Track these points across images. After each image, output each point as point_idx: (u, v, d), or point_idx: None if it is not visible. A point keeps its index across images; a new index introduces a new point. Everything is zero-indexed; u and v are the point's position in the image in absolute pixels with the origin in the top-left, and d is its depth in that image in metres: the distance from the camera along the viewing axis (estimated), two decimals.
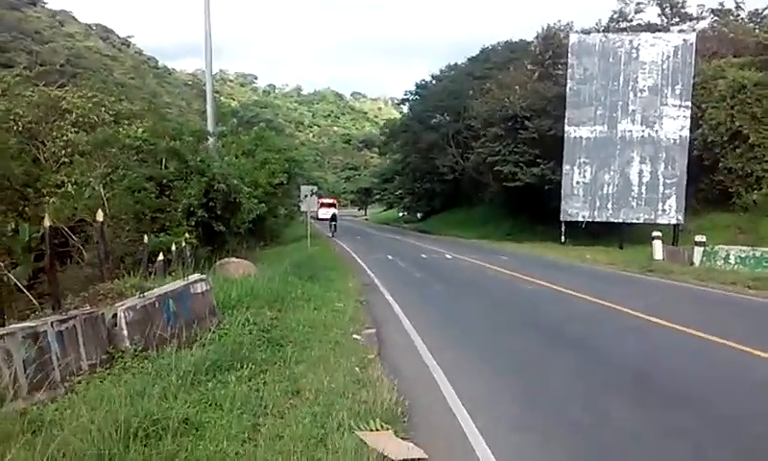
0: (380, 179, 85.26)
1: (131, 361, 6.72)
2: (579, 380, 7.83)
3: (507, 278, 19.55)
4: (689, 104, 31.71)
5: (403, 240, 41.53)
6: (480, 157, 44.12)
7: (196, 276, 9.64)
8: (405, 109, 73.95)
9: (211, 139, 23.42)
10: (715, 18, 43.36)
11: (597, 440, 5.73)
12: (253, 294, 11.33)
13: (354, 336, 9.53)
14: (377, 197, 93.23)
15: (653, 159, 32.16)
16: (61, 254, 15.89)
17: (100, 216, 12.26)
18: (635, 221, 32.68)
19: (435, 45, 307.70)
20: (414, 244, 36.66)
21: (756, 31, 39.17)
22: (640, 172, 32.43)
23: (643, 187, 32.33)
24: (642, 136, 32.29)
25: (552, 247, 31.64)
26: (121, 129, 20.90)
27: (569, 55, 33.83)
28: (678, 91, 31.75)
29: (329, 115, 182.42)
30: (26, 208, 19.20)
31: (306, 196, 29.80)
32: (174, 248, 15.33)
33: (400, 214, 75.64)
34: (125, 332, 7.10)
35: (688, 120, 31.66)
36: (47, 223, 10.24)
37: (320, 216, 59.01)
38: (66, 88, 25.67)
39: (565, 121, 33.25)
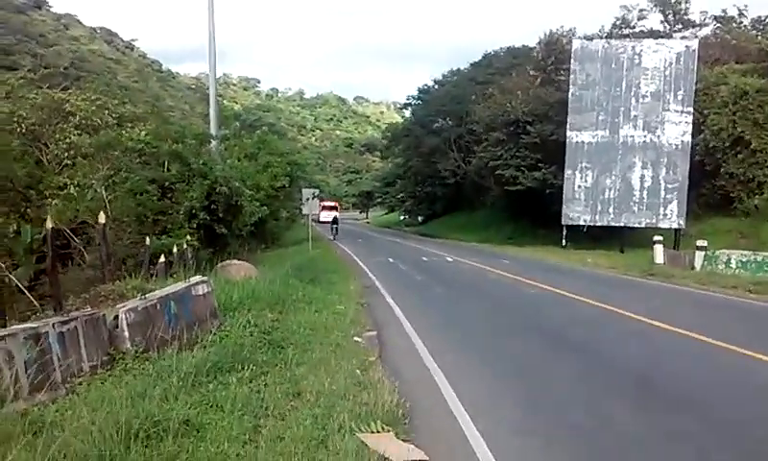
0: (382, 182, 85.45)
1: (132, 362, 6.71)
2: (581, 384, 7.82)
3: (508, 281, 19.54)
4: (691, 109, 31.75)
5: (404, 243, 41.52)
6: (482, 162, 44.19)
7: (197, 278, 9.64)
8: (407, 113, 74.13)
9: (214, 142, 23.42)
10: (718, 25, 43.50)
11: (599, 444, 5.71)
12: (255, 296, 11.33)
13: (355, 339, 9.52)
14: (379, 200, 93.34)
15: (654, 164, 32.18)
16: (63, 255, 15.88)
17: (102, 218, 12.26)
18: (636, 225, 32.68)
19: (437, 50, 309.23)
20: (415, 247, 36.65)
21: (759, 38, 39.30)
22: (642, 177, 32.45)
23: (645, 192, 32.35)
24: (644, 141, 32.32)
25: (553, 251, 31.64)
26: (124, 131, 20.92)
27: (572, 60, 33.89)
28: (680, 97, 31.78)
29: (332, 119, 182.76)
30: (28, 210, 19.23)
31: (308, 199, 29.83)
32: (175, 250, 15.32)
33: (402, 218, 75.66)
34: (126, 334, 7.10)
35: (690, 126, 31.69)
36: (49, 224, 10.24)
37: (321, 219, 59.06)
38: (70, 91, 25.76)
39: (567, 126, 33.31)
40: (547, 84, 41.37)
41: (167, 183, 19.03)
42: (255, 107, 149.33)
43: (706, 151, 32.60)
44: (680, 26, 44.95)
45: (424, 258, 27.97)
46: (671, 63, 31.93)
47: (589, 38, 38.64)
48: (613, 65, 32.74)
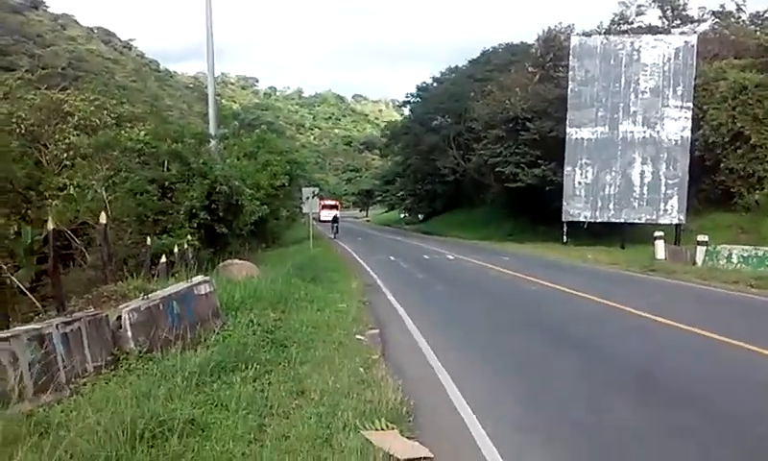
0: (381, 180, 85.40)
1: (135, 363, 6.73)
2: (582, 380, 7.84)
3: (509, 278, 19.56)
4: (691, 105, 31.74)
5: (405, 241, 41.53)
6: (481, 159, 44.16)
7: (199, 277, 9.65)
8: (406, 111, 74.10)
9: (213, 142, 23.41)
10: (716, 20, 43.42)
11: (601, 440, 5.73)
12: (257, 295, 11.35)
13: (358, 337, 9.54)
14: (379, 198, 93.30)
15: (654, 160, 32.18)
16: (64, 256, 15.88)
17: (103, 218, 12.26)
18: (636, 221, 32.70)
19: (436, 48, 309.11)
20: (415, 245, 36.67)
21: (758, 33, 39.25)
22: (642, 172, 32.45)
23: (645, 188, 32.34)
24: (644, 137, 32.32)
25: (554, 247, 31.66)
26: (123, 132, 20.89)
27: (571, 57, 33.87)
28: (679, 93, 31.78)
29: (330, 118, 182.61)
30: (28, 211, 19.23)
31: (308, 198, 29.84)
32: (176, 250, 15.32)
33: (402, 216, 75.66)
34: (129, 334, 7.11)
35: (690, 121, 31.68)
36: (50, 225, 10.24)
37: (321, 218, 59.10)
38: (68, 92, 25.69)
39: (567, 122, 33.29)
40: (546, 81, 41.30)
41: (167, 183, 19.02)
42: (254, 106, 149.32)
43: (705, 146, 32.61)
44: (678, 22, 44.88)
45: (425, 256, 27.99)
46: (670, 59, 31.92)
47: (588, 35, 38.62)
48: (612, 61, 32.72)
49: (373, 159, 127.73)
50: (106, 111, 23.13)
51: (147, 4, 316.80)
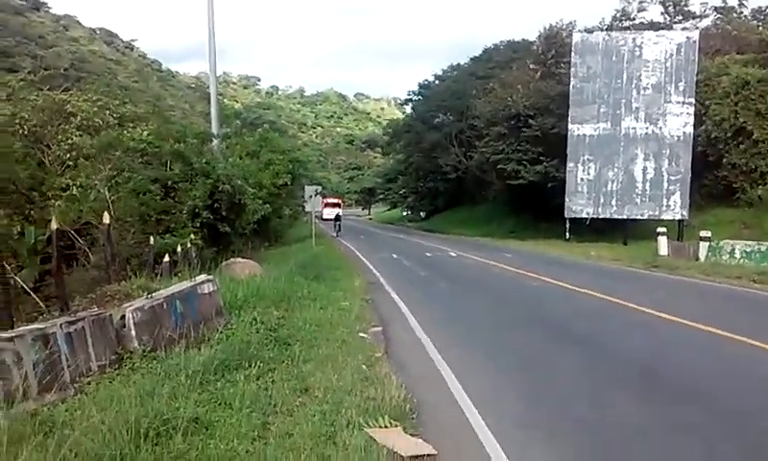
0: (384, 178, 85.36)
1: (139, 362, 6.75)
2: (585, 377, 7.84)
3: (512, 275, 19.56)
4: (693, 101, 31.70)
5: (407, 239, 41.54)
6: (483, 156, 44.12)
7: (203, 276, 9.67)
8: (408, 109, 73.89)
9: (215, 141, 23.41)
10: (718, 16, 43.45)
11: (603, 436, 5.74)
12: (260, 294, 11.37)
13: (361, 334, 9.55)
14: (381, 197, 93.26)
15: (657, 156, 32.14)
16: (67, 256, 15.94)
17: (106, 218, 12.30)
18: (639, 217, 32.67)
19: (437, 46, 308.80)
20: (418, 243, 36.67)
21: (760, 28, 39.29)
22: (644, 168, 32.42)
23: (647, 184, 32.31)
24: (646, 133, 32.29)
25: (556, 244, 31.65)
26: (125, 132, 20.92)
27: (573, 53, 33.84)
28: (681, 88, 31.72)
29: (332, 116, 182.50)
30: (31, 212, 19.28)
31: (311, 196, 29.88)
32: (179, 249, 15.35)
33: (404, 213, 75.63)
34: (133, 333, 7.13)
35: (692, 117, 31.63)
36: (54, 226, 10.29)
37: (324, 216, 59.12)
38: (71, 92, 25.81)
39: (569, 119, 33.27)
40: (548, 78, 41.30)
41: (170, 183, 19.02)
42: (256, 105, 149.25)
43: (708, 142, 32.58)
44: (680, 17, 44.89)
45: (428, 254, 28.00)
46: (672, 55, 31.86)
47: (590, 31, 38.61)
48: (614, 57, 32.68)
49: (375, 158, 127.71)
50: (108, 112, 23.21)
51: (149, 4, 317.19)
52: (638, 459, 5.38)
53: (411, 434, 5.44)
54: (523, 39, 56.75)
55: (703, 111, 32.65)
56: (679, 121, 31.74)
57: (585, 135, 33.02)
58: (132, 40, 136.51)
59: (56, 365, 5.91)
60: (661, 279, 18.63)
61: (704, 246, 21.78)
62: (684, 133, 31.62)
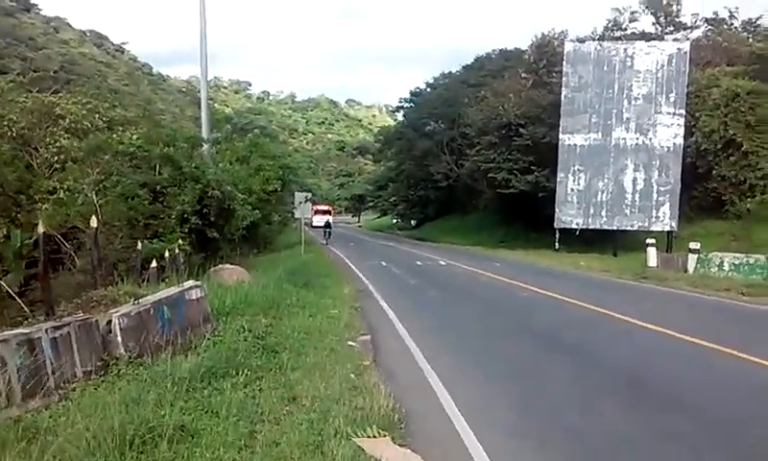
0: (374, 186, 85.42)
1: (125, 368, 6.67)
2: (574, 386, 7.84)
3: (501, 284, 19.57)
4: (683, 112, 31.82)
5: (397, 247, 41.52)
6: (474, 165, 44.17)
7: (190, 282, 9.59)
8: (400, 116, 74.01)
9: (205, 146, 23.37)
10: (709, 27, 43.70)
11: (593, 445, 5.73)
12: (248, 301, 11.29)
13: (349, 343, 9.50)
14: (371, 204, 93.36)
15: (647, 167, 32.25)
16: (54, 260, 15.79)
17: (94, 222, 12.19)
18: (628, 228, 32.74)
19: (429, 53, 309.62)
20: (408, 251, 36.66)
21: (750, 40, 39.56)
22: (634, 179, 32.51)
23: (637, 195, 32.40)
24: (636, 144, 32.40)
25: (546, 254, 31.69)
26: (115, 135, 20.80)
27: (564, 63, 33.93)
28: (672, 99, 31.86)
29: (323, 122, 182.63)
30: (18, 215, 19.12)
31: (300, 203, 29.81)
32: (167, 254, 15.26)
33: (394, 221, 75.68)
34: (119, 339, 7.05)
35: (682, 128, 31.76)
36: (41, 229, 10.18)
37: (314, 224, 58.99)
38: (60, 95, 25.61)
39: (560, 129, 33.30)
40: (539, 87, 41.44)
41: (159, 187, 18.95)
42: (246, 110, 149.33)
43: (697, 153, 32.76)
44: (671, 28, 45.17)
45: (418, 262, 27.98)
46: (663, 66, 32.03)
47: (581, 41, 38.77)
48: (605, 67, 32.81)
49: (366, 165, 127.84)
50: (97, 115, 23.08)
51: (140, 7, 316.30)
52: None
53: (399, 444, 5.40)
54: (515, 48, 57.07)
55: (693, 123, 32.82)
56: (669, 132, 31.88)
57: (575, 145, 33.10)
58: (123, 43, 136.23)
59: (40, 371, 5.84)
60: (650, 291, 18.68)
61: (693, 258, 21.86)
62: (675, 144, 31.75)
